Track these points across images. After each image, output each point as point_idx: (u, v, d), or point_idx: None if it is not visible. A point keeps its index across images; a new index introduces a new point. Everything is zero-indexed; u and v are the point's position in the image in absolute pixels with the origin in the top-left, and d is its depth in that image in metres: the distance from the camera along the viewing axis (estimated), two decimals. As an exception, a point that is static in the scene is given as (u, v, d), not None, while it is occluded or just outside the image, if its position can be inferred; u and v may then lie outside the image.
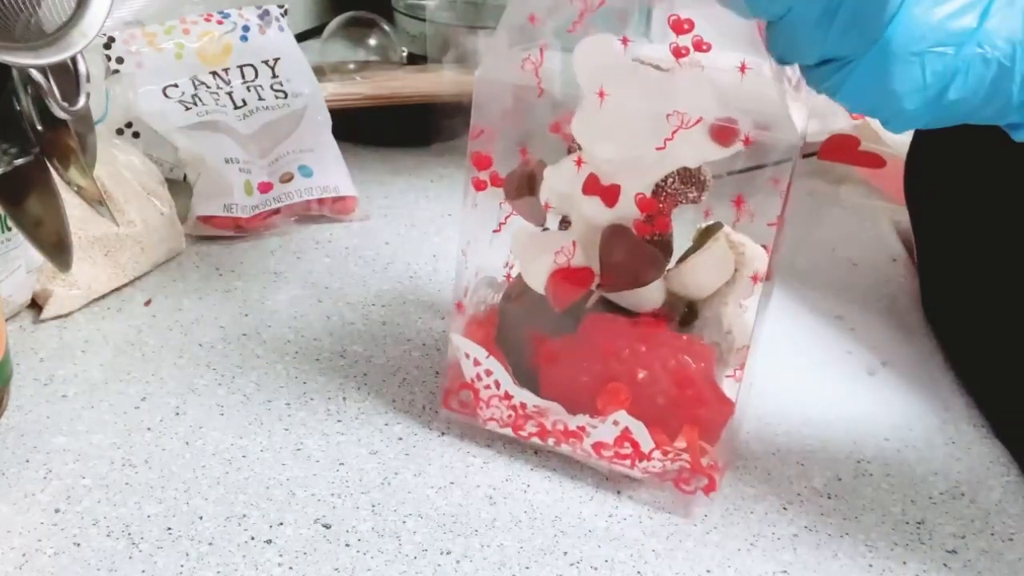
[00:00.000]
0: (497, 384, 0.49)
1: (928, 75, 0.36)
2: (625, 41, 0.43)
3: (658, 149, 0.43)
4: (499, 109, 0.47)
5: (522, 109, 0.47)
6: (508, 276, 0.54)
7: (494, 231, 0.50)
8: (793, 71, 0.42)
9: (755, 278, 0.47)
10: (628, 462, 0.47)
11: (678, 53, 0.41)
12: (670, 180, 0.45)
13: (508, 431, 0.50)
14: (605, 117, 0.44)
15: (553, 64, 0.46)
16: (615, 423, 0.46)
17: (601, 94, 0.43)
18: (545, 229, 0.50)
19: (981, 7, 0.36)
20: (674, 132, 0.42)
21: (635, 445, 0.46)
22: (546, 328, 0.48)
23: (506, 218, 0.49)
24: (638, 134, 0.43)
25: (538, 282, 0.48)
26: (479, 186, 0.48)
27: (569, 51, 0.45)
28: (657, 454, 0.46)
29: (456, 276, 0.51)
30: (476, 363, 0.49)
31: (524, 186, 0.49)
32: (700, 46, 0.41)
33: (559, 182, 0.47)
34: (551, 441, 0.49)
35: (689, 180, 0.45)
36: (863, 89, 0.38)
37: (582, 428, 0.47)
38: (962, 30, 0.36)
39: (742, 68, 0.41)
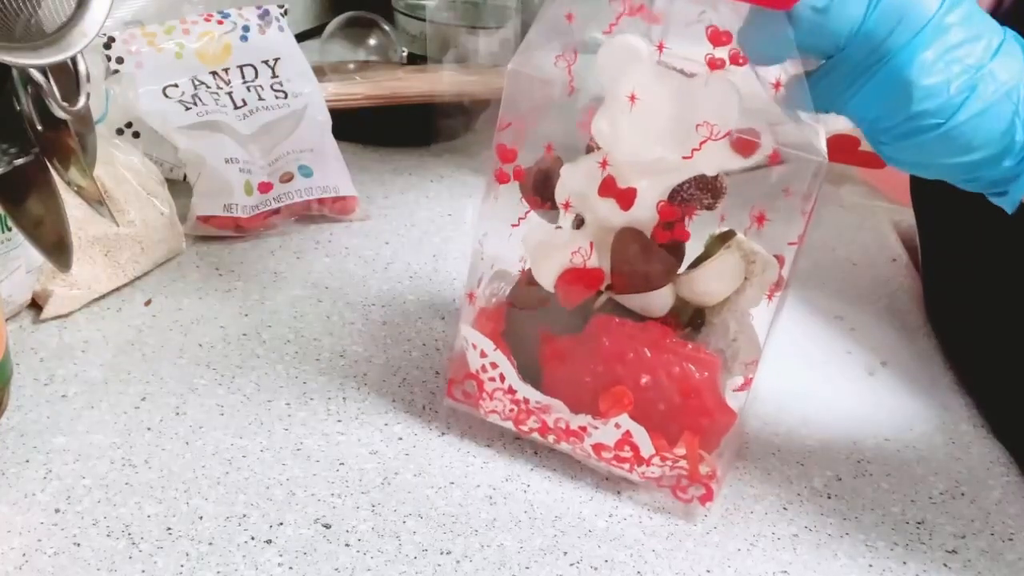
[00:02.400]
0: (502, 377, 0.49)
1: (953, 86, 0.38)
2: (661, 47, 0.43)
3: (685, 159, 0.43)
4: (529, 103, 0.47)
5: (551, 105, 0.47)
6: (523, 272, 0.53)
7: (513, 225, 0.50)
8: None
9: (771, 293, 0.46)
10: (627, 465, 0.47)
11: (713, 64, 0.41)
12: (686, 186, 0.45)
13: (509, 424, 0.50)
14: (628, 119, 0.44)
15: (585, 62, 0.46)
16: (617, 426, 0.46)
17: (632, 98, 0.43)
18: (558, 227, 0.50)
19: (991, 48, 0.38)
20: (702, 143, 0.42)
21: (635, 449, 0.46)
22: (553, 326, 0.49)
23: (526, 213, 0.49)
24: (661, 139, 0.43)
25: (548, 280, 0.48)
26: (502, 178, 0.48)
27: (594, 52, 0.45)
28: (656, 460, 0.46)
29: (470, 266, 0.51)
30: (483, 355, 0.49)
31: (540, 186, 0.49)
32: (736, 59, 0.41)
33: (576, 181, 0.47)
34: (551, 438, 0.49)
35: (705, 187, 0.45)
36: (879, 92, 0.38)
37: (583, 428, 0.47)
38: (974, 58, 0.38)
39: (776, 85, 0.41)
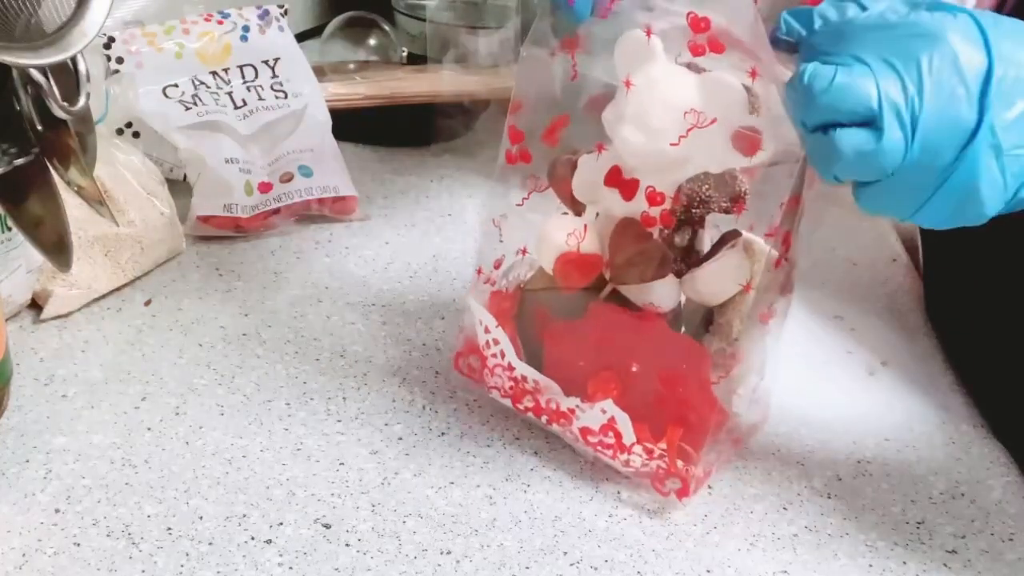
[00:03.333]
0: (502, 354, 0.50)
1: (1008, 177, 0.37)
2: (649, 33, 0.43)
3: (672, 145, 0.43)
4: (538, 86, 0.48)
5: (557, 89, 0.48)
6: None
7: (517, 205, 0.51)
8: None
9: (747, 288, 0.46)
10: (611, 452, 0.47)
11: (695, 50, 0.42)
12: (705, 188, 0.45)
13: (508, 402, 0.51)
14: (631, 107, 0.44)
15: (591, 48, 0.46)
16: (602, 411, 0.46)
17: (627, 83, 0.44)
18: (564, 213, 0.51)
19: None
20: (689, 130, 0.42)
21: (618, 436, 0.47)
22: (560, 311, 0.49)
23: (529, 193, 0.50)
24: (660, 127, 0.44)
25: (548, 262, 0.49)
26: (510, 159, 0.50)
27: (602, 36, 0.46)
28: (638, 449, 0.46)
29: (479, 244, 0.52)
30: (486, 330, 0.50)
31: (570, 176, 0.49)
32: (716, 46, 0.41)
33: (590, 171, 0.48)
34: (544, 419, 0.50)
35: (723, 189, 0.45)
36: (946, 205, 0.38)
37: (571, 410, 0.48)
38: None
39: (753, 73, 0.41)
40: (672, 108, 0.43)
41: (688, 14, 0.41)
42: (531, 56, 0.47)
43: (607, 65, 0.46)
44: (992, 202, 0.38)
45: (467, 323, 0.52)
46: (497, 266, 0.53)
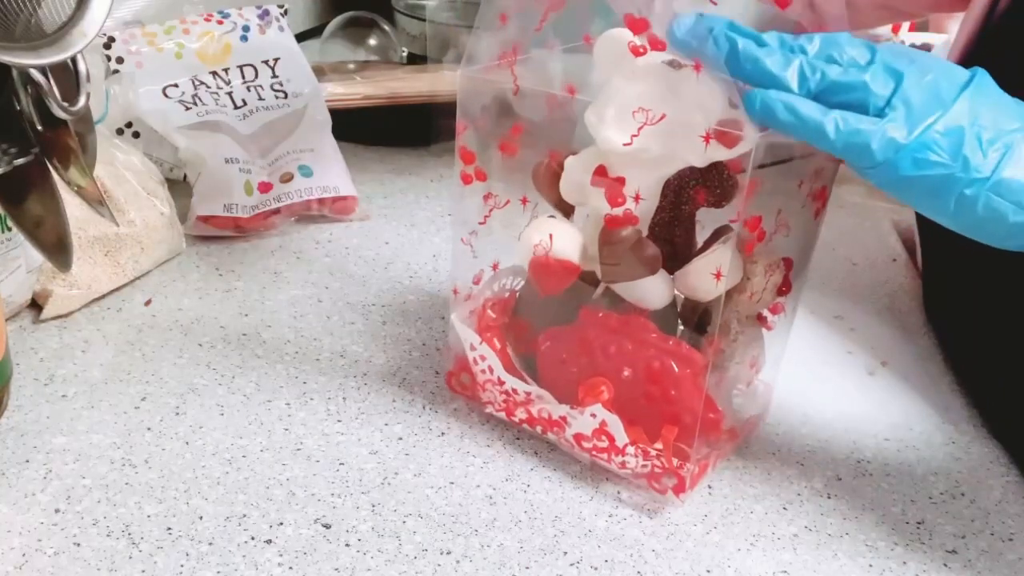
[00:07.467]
0: (490, 369, 0.50)
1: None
2: (587, 39, 0.43)
3: (625, 145, 0.43)
4: (480, 104, 0.48)
5: (502, 105, 0.48)
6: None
7: (480, 223, 0.51)
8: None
9: (750, 296, 0.46)
10: (605, 456, 0.47)
11: (635, 51, 0.42)
12: (692, 182, 0.45)
13: (503, 415, 0.51)
14: (610, 107, 0.44)
15: (537, 62, 0.46)
16: (592, 415, 0.46)
17: (570, 90, 0.44)
18: (551, 216, 0.51)
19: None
20: (640, 128, 0.42)
21: (611, 439, 0.47)
22: (552, 319, 0.49)
23: (490, 211, 0.50)
24: (645, 131, 0.43)
25: (524, 262, 0.49)
26: (466, 180, 0.49)
27: (540, 47, 0.46)
28: (631, 450, 0.46)
29: (453, 263, 0.52)
30: (472, 347, 0.50)
31: (555, 180, 0.49)
32: (656, 44, 0.41)
33: (576, 172, 0.48)
34: (539, 428, 0.50)
35: (710, 182, 0.45)
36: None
37: (563, 418, 0.48)
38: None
39: (697, 67, 0.41)
40: (648, 106, 0.43)
41: (625, 16, 0.41)
42: (469, 76, 0.47)
43: (542, 76, 0.46)
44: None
45: (453, 342, 0.52)
46: (477, 282, 0.53)
